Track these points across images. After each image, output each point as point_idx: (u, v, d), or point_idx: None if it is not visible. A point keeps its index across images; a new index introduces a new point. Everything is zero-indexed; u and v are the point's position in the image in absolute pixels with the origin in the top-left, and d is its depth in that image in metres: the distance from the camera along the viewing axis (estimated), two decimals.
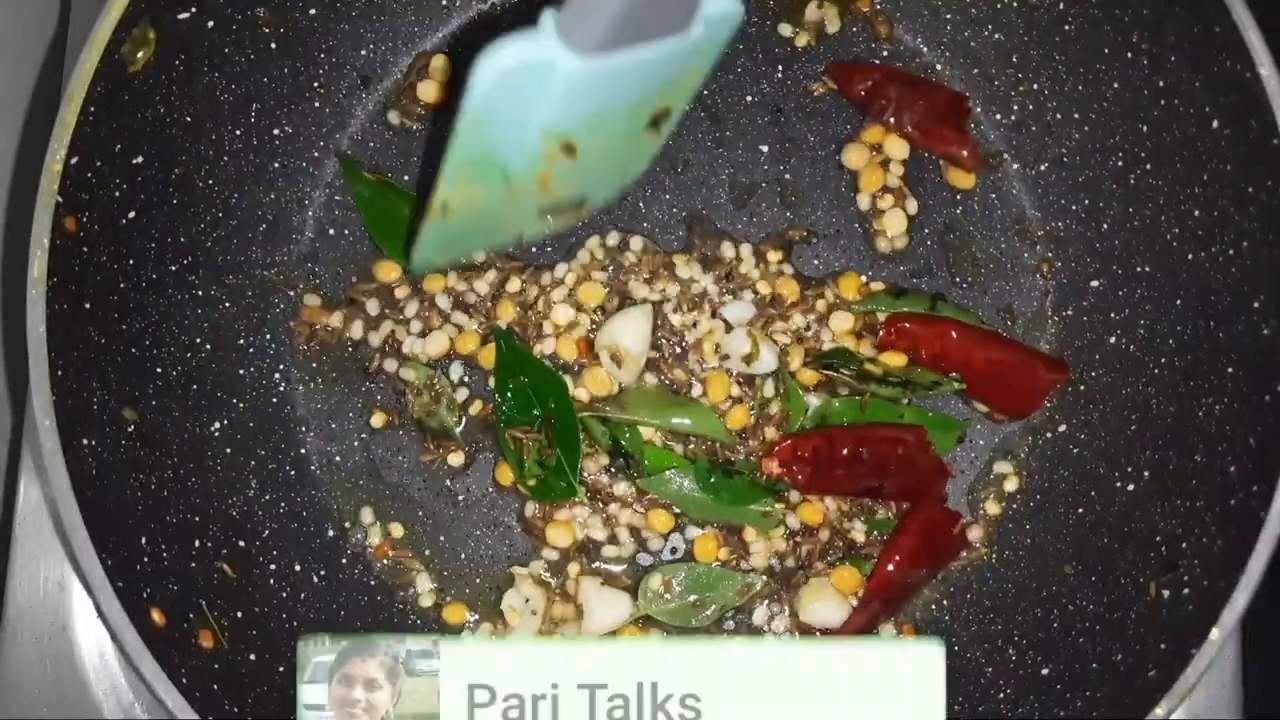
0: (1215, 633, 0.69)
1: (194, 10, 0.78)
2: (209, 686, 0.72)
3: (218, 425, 0.84)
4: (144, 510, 0.75)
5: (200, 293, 0.84)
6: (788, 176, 0.92)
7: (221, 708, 0.72)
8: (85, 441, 0.72)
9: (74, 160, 0.72)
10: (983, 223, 0.91)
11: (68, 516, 0.69)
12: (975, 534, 0.87)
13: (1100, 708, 0.74)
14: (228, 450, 0.84)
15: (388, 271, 0.90)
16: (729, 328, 0.87)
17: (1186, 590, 0.74)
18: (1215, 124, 0.77)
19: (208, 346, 0.84)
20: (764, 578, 0.85)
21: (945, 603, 0.86)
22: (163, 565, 0.75)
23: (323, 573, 0.85)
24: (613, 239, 0.90)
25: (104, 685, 0.87)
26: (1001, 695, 0.80)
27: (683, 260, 0.89)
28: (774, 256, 0.90)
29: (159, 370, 0.80)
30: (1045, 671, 0.79)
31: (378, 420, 0.89)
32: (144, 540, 0.74)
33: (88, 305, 0.74)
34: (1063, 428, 0.87)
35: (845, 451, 0.84)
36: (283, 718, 0.75)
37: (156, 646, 0.69)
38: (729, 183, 0.92)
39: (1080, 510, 0.84)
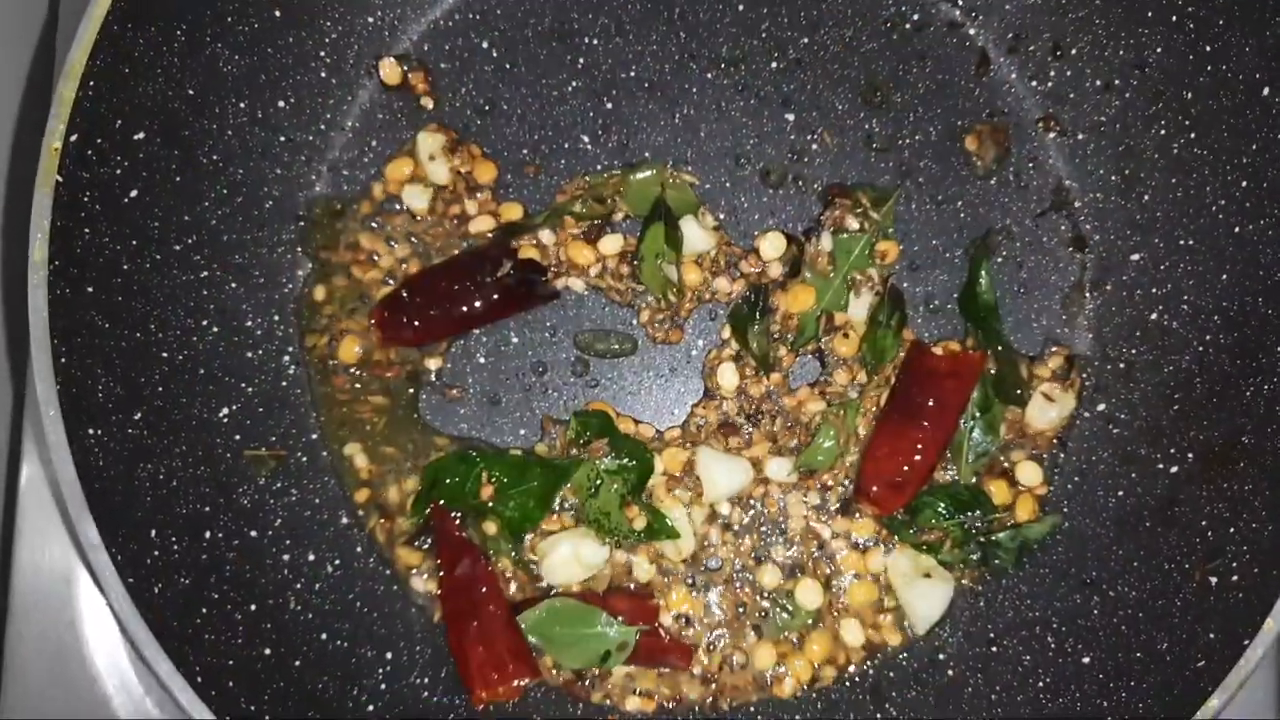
0: (1270, 623, 0.66)
1: None
2: (224, 684, 0.70)
3: (226, 411, 0.81)
4: (152, 502, 0.73)
5: (206, 273, 0.81)
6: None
7: (238, 705, 0.69)
8: (91, 431, 0.69)
9: (74, 138, 0.69)
10: (1018, 194, 0.88)
11: (75, 510, 0.67)
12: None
13: (1147, 698, 0.72)
14: (237, 437, 0.81)
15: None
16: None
17: (1236, 577, 0.71)
18: (1266, 91, 0.74)
19: (215, 329, 0.81)
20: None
21: (980, 588, 0.84)
22: (173, 558, 0.72)
23: (337, 562, 0.82)
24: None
25: (114, 680, 0.85)
26: (1040, 684, 0.78)
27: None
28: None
29: (165, 355, 0.77)
30: (1086, 660, 0.77)
31: (388, 403, 0.86)
32: (153, 533, 0.72)
33: (90, 289, 0.71)
34: (1101, 407, 0.85)
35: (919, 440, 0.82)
36: (299, 714, 0.74)
37: (169, 643, 0.67)
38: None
39: (1120, 493, 0.81)
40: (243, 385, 0.82)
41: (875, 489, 0.82)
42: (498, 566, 0.83)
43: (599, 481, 0.83)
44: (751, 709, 0.83)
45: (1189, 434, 0.79)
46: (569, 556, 0.82)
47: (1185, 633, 0.72)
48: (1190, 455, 0.78)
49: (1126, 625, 0.76)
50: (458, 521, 0.83)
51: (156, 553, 0.72)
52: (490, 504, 0.83)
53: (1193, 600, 0.73)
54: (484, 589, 0.81)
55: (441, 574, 0.82)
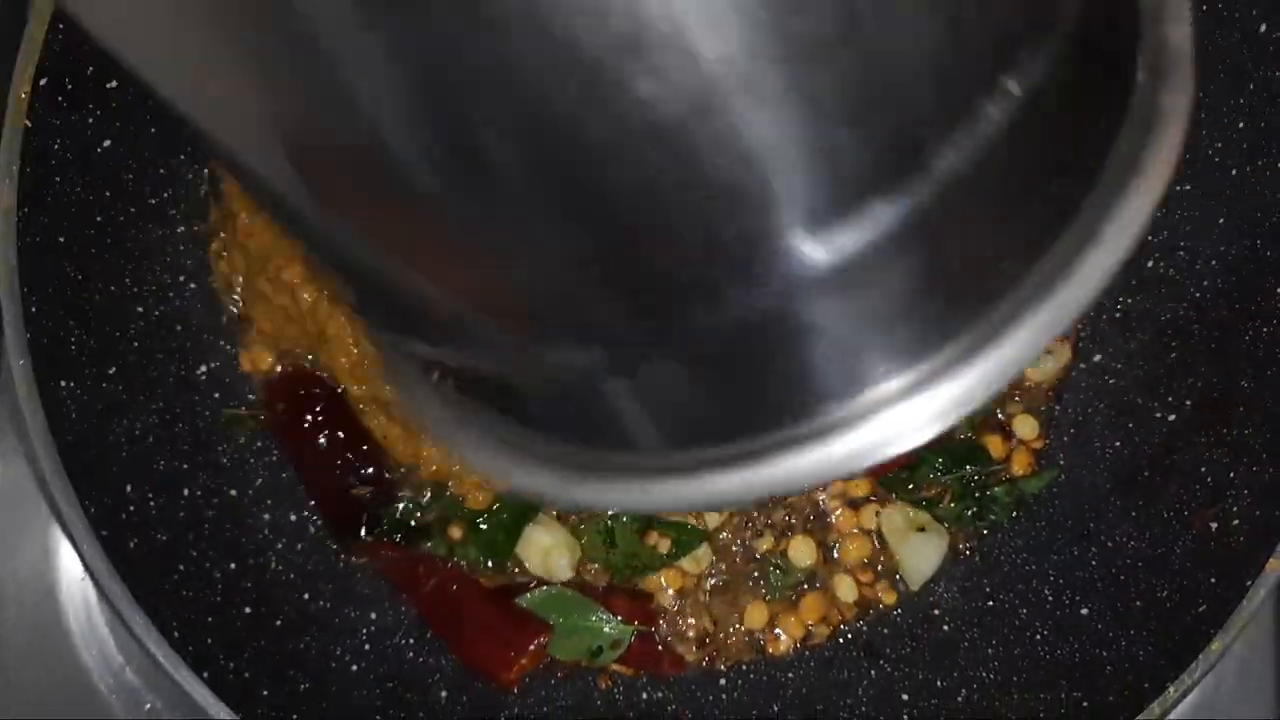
0: (1274, 562, 0.65)
1: None
2: (202, 640, 0.68)
3: (204, 369, 0.79)
4: (128, 457, 0.71)
5: (184, 228, 0.79)
6: None
7: (216, 662, 0.68)
8: (63, 384, 0.68)
9: (44, 81, 0.67)
10: None
11: (47, 464, 0.66)
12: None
13: (1147, 646, 0.70)
14: (216, 395, 0.79)
15: None
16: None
17: (1236, 522, 0.70)
18: (1263, 28, 0.72)
19: (192, 285, 0.79)
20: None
21: (975, 543, 0.82)
22: (150, 514, 0.71)
23: (318, 522, 0.81)
24: None
25: (92, 650, 0.83)
26: (1038, 637, 0.77)
27: None
28: None
29: (140, 310, 0.75)
30: (1084, 611, 0.75)
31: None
32: (129, 488, 0.70)
33: (62, 239, 0.70)
34: (1097, 358, 0.83)
35: None
36: (280, 672, 0.72)
37: (145, 599, 0.66)
38: None
39: (1118, 444, 0.80)
40: (221, 343, 0.81)
41: None
42: (465, 560, 0.81)
43: (611, 526, 0.80)
44: (745, 668, 0.81)
45: (1187, 381, 0.77)
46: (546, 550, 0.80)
47: (1185, 579, 0.71)
48: (1188, 403, 0.77)
49: (1125, 575, 0.75)
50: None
51: (132, 508, 0.70)
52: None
53: (1192, 547, 0.72)
54: (455, 586, 0.79)
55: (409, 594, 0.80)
